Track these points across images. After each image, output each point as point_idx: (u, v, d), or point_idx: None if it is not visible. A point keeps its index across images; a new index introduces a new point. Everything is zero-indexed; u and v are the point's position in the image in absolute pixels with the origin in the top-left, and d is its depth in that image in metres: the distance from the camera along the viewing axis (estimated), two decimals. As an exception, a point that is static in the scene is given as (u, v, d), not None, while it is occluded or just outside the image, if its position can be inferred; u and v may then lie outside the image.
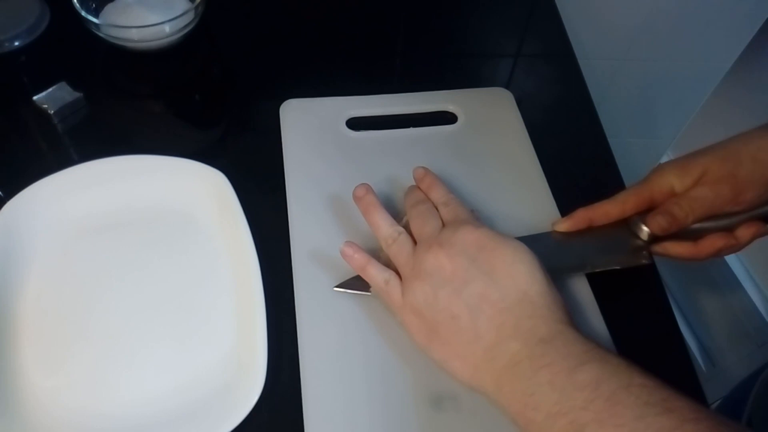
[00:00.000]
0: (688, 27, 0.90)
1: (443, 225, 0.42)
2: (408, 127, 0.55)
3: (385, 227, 0.43)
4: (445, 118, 0.57)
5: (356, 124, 0.55)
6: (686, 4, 0.87)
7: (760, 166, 0.42)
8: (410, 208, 0.45)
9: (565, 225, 0.46)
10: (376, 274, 0.42)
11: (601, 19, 0.87)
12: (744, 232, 0.43)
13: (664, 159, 1.19)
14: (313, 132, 0.54)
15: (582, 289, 0.45)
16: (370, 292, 0.43)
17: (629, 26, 0.90)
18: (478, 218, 0.44)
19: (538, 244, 0.42)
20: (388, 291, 0.41)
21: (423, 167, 0.47)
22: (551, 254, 0.44)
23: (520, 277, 0.38)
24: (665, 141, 1.14)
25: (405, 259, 0.41)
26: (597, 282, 0.46)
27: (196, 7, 0.59)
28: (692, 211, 0.42)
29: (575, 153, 0.57)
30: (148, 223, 0.48)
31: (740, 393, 0.59)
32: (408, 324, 0.40)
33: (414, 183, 0.48)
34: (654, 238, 0.44)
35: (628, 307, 0.46)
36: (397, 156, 0.53)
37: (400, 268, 0.42)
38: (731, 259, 1.09)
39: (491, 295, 0.37)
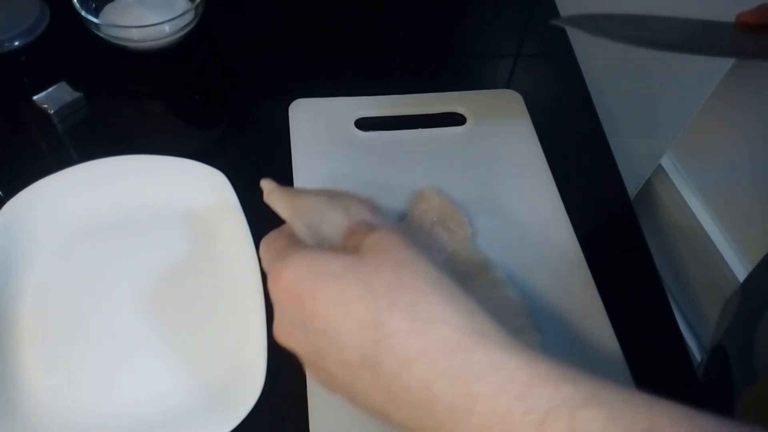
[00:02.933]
0: (688, 27, 0.90)
1: None
2: (417, 128, 0.55)
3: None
4: (454, 119, 0.57)
5: (365, 124, 0.55)
6: (686, 4, 0.87)
7: None
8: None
9: (750, 16, 0.42)
10: None
11: (601, 19, 0.87)
12: None
13: (665, 159, 1.19)
14: (321, 132, 0.54)
15: (589, 290, 0.45)
16: None
17: (629, 26, 0.90)
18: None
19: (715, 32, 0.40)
20: None
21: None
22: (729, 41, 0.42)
23: (362, 310, 0.27)
24: (665, 141, 1.14)
25: None
26: (598, 284, 0.46)
27: (196, 7, 0.59)
28: None
29: (575, 153, 0.57)
30: (148, 223, 0.48)
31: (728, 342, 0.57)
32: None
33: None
34: None
35: (628, 309, 0.46)
36: (406, 157, 0.53)
37: None
38: (732, 259, 1.09)
39: (350, 357, 0.27)
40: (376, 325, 0.26)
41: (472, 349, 0.25)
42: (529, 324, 0.43)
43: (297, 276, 0.28)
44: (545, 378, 0.24)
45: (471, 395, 0.24)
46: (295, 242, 0.32)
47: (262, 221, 0.46)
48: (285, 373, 0.40)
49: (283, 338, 0.30)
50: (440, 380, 0.25)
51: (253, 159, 0.54)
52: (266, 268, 0.31)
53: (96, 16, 0.58)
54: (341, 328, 0.27)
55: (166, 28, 0.57)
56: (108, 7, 0.60)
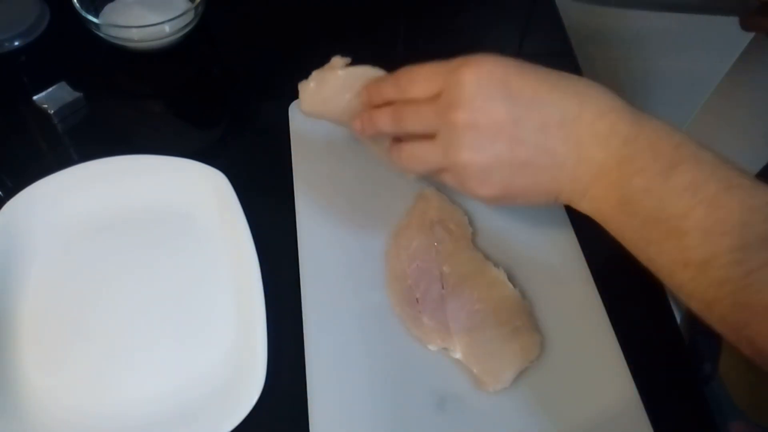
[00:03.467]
0: (688, 27, 0.90)
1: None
2: None
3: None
4: None
5: None
6: (686, 4, 0.87)
7: None
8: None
9: None
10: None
11: (601, 19, 0.87)
12: None
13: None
14: (322, 130, 0.54)
15: (588, 290, 0.45)
16: None
17: (629, 26, 0.90)
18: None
19: None
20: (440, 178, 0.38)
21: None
22: None
23: (565, 84, 0.35)
24: (665, 141, 1.14)
25: (432, 146, 0.37)
26: (598, 284, 0.46)
27: (196, 7, 0.59)
28: None
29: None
30: (148, 222, 0.48)
31: None
32: (480, 193, 0.37)
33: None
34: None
35: (628, 308, 0.46)
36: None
37: (436, 153, 0.37)
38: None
39: (551, 117, 0.34)
40: (577, 93, 0.34)
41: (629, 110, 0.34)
42: (529, 324, 0.43)
43: (500, 63, 0.35)
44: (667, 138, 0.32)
45: (637, 124, 0.33)
46: None
47: (263, 220, 0.46)
48: (285, 373, 0.41)
49: (475, 113, 0.35)
50: (621, 122, 0.33)
51: (253, 159, 0.54)
52: (445, 70, 0.37)
53: (96, 16, 0.58)
54: (549, 97, 0.34)
55: (166, 28, 0.57)
56: (108, 7, 0.60)
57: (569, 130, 0.34)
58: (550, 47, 0.68)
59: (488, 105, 0.35)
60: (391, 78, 0.40)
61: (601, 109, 0.34)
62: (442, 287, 0.44)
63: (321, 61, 0.63)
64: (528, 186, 0.36)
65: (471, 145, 0.35)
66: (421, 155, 0.38)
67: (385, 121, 0.39)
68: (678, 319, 0.47)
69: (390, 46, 0.66)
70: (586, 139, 0.34)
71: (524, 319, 0.43)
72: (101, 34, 0.57)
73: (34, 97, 0.54)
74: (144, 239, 0.47)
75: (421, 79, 0.38)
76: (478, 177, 0.36)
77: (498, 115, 0.34)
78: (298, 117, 0.55)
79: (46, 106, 0.54)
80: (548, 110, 0.34)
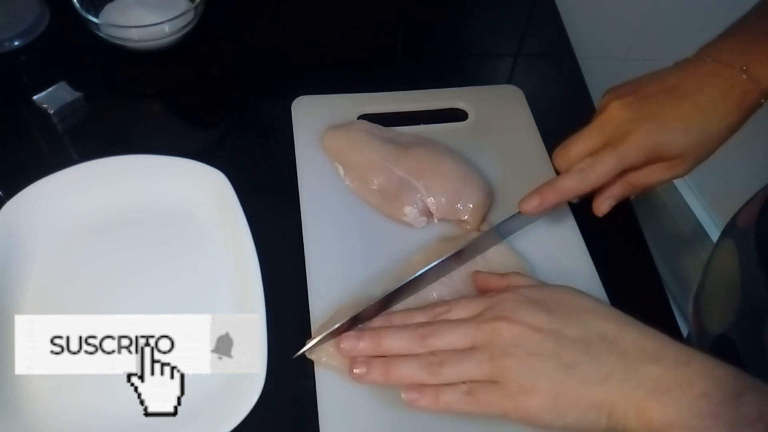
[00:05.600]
0: (688, 27, 0.90)
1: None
2: (419, 124, 0.55)
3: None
4: (456, 115, 0.57)
5: (368, 120, 0.55)
6: (686, 4, 0.87)
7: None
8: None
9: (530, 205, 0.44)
10: (451, 395, 0.36)
11: (601, 19, 0.87)
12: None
13: (664, 159, 1.19)
14: (324, 128, 0.54)
15: (593, 284, 0.45)
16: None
17: (629, 26, 0.90)
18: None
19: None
20: (479, 399, 0.36)
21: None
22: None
23: (606, 310, 0.37)
24: (665, 141, 1.14)
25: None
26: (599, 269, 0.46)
27: (196, 7, 0.59)
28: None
29: (575, 153, 0.57)
30: (147, 222, 0.48)
31: None
32: (527, 404, 0.35)
33: None
34: None
35: (628, 308, 0.46)
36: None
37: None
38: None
39: (590, 331, 0.35)
40: (617, 318, 0.36)
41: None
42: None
43: (533, 289, 0.39)
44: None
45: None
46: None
47: (262, 221, 0.46)
48: (285, 373, 0.40)
49: (519, 324, 0.36)
50: (668, 346, 0.34)
51: (254, 158, 0.54)
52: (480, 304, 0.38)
53: (96, 16, 0.58)
54: (585, 316, 0.36)
55: (166, 28, 0.57)
56: (108, 7, 0.60)
57: (612, 343, 0.34)
58: (550, 47, 0.68)
59: (531, 316, 0.36)
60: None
61: (644, 334, 0.35)
62: None
63: (322, 58, 0.63)
64: (578, 394, 0.34)
65: (516, 347, 0.35)
66: (463, 370, 0.36)
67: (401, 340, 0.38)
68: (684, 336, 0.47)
69: (390, 45, 0.66)
70: (633, 352, 0.34)
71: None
72: (101, 34, 0.57)
73: (34, 97, 0.54)
74: (144, 239, 0.47)
75: (462, 306, 0.39)
76: (524, 383, 0.35)
77: (540, 323, 0.36)
78: (300, 114, 0.55)
79: (46, 106, 0.54)
80: (586, 325, 0.35)
